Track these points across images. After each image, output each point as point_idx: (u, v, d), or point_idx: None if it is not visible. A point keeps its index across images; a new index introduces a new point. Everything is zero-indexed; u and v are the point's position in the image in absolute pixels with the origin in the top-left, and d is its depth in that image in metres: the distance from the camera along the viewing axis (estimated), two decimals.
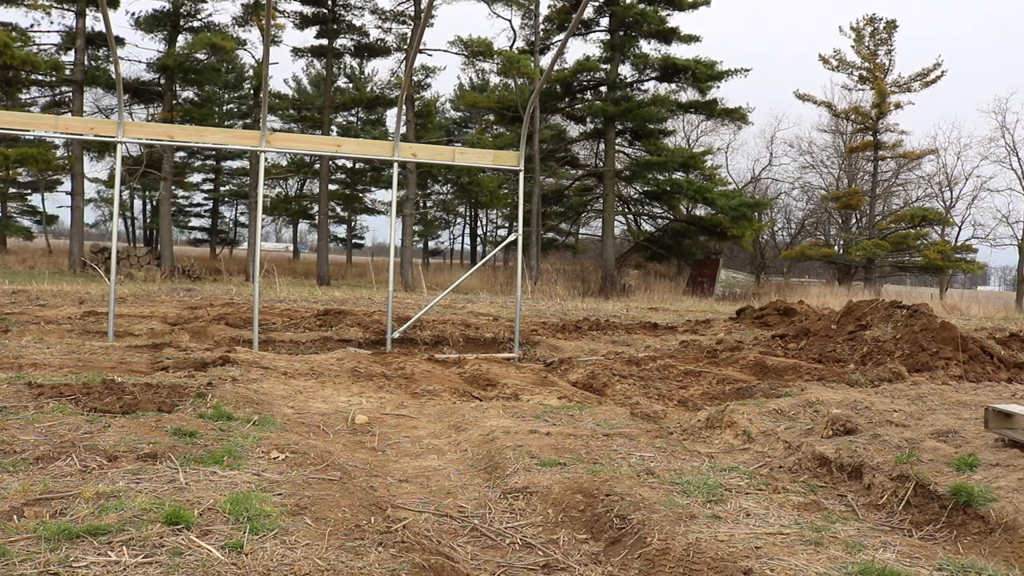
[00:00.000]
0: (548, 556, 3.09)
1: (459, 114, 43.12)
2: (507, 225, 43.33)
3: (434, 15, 28.36)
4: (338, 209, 44.01)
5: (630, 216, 35.14)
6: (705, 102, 30.03)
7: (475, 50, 26.73)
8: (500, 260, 36.25)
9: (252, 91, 34.90)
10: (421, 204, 42.85)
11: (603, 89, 29.52)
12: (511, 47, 28.69)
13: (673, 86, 30.24)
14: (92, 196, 36.45)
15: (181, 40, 28.64)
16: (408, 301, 15.21)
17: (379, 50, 29.66)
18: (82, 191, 27.12)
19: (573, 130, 32.95)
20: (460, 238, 55.14)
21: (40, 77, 27.05)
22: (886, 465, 3.82)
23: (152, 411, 4.59)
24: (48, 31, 27.65)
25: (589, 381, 7.26)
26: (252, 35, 30.64)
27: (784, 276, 36.78)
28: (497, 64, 26.69)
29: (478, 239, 47.24)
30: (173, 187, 31.42)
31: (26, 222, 38.63)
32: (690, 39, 28.40)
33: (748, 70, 28.90)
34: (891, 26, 34.08)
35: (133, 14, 27.94)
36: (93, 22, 26.54)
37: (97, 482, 3.20)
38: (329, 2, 28.55)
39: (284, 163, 39.47)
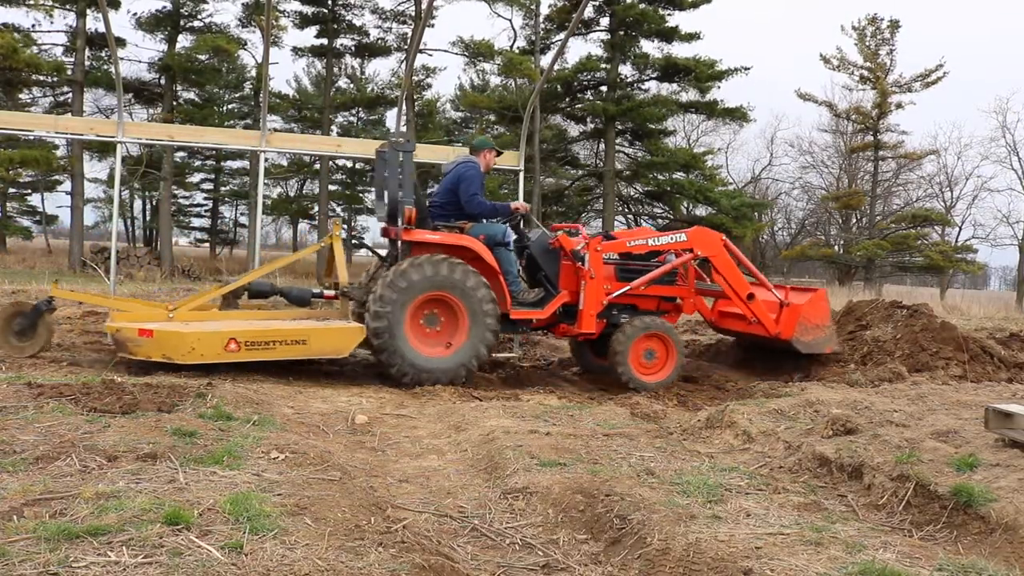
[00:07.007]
0: (548, 556, 3.09)
1: (460, 114, 43.05)
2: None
3: (434, 15, 28.40)
4: (338, 209, 43.92)
5: (630, 216, 35.09)
6: (706, 102, 29.97)
7: (476, 51, 26.71)
8: None
9: (253, 91, 34.86)
10: None
11: (603, 89, 29.47)
12: (511, 47, 28.67)
13: (674, 86, 30.20)
14: (92, 196, 36.45)
15: (182, 40, 28.61)
16: None
17: (379, 50, 29.63)
18: (82, 191, 27.09)
19: (573, 130, 32.88)
20: None
21: (41, 78, 27.02)
22: (886, 465, 3.81)
23: (152, 411, 4.58)
24: (50, 31, 27.66)
25: None
26: (254, 36, 30.62)
27: (784, 276, 36.75)
28: (498, 65, 26.66)
29: None
30: (173, 187, 31.40)
31: (26, 222, 38.58)
32: (691, 37, 28.32)
33: (748, 68, 28.84)
34: (893, 26, 33.95)
35: (134, 14, 27.93)
36: (94, 23, 26.53)
37: (97, 482, 3.20)
38: (329, 2, 28.52)
39: (284, 163, 39.43)
